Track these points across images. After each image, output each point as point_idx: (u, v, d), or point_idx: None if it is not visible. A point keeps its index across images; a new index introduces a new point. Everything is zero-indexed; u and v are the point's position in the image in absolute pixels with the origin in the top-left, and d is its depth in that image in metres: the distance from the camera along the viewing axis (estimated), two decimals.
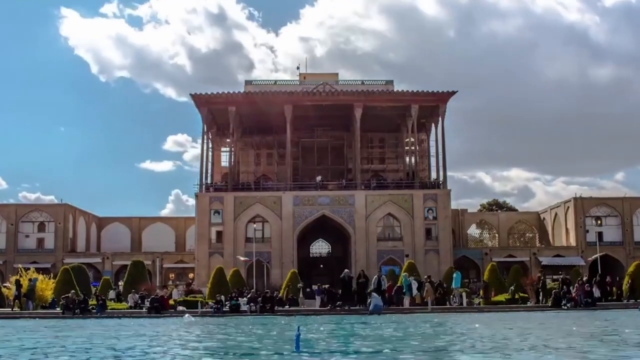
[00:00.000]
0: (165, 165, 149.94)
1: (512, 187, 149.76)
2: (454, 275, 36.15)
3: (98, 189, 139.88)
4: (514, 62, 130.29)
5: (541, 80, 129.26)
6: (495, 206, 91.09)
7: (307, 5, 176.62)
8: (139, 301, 36.87)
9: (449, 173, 60.43)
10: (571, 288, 34.18)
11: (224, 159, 68.79)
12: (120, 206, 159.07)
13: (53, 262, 61.34)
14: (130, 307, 36.32)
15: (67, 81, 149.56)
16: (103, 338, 14.83)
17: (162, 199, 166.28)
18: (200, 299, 37.71)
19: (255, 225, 57.44)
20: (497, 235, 71.69)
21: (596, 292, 35.06)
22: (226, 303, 34.05)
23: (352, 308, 32.75)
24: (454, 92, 59.67)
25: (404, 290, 35.28)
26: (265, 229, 58.03)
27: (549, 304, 33.70)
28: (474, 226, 73.12)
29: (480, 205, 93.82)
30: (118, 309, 35.50)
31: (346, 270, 35.89)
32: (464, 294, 35.40)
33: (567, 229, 65.02)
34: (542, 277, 37.70)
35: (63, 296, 33.87)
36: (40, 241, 64.32)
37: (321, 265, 65.76)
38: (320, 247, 68.47)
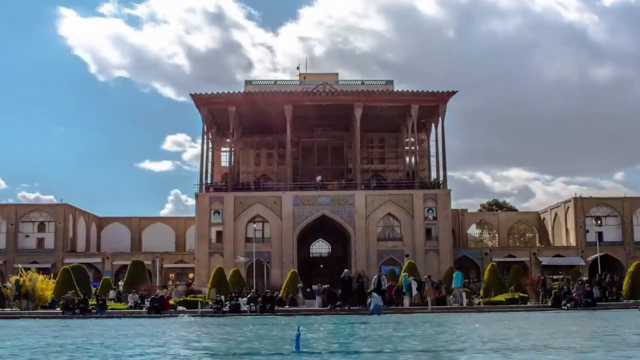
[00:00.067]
0: (164, 165, 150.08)
1: (512, 187, 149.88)
2: (455, 274, 36.12)
3: (97, 189, 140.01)
4: (513, 62, 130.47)
5: (541, 80, 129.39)
6: (495, 206, 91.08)
7: (306, 6, 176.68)
8: (139, 301, 36.89)
9: (448, 173, 60.54)
10: (571, 288, 34.17)
11: (224, 159, 68.79)
12: (119, 206, 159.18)
13: (53, 262, 61.33)
14: (130, 307, 36.32)
15: (65, 81, 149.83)
16: (102, 338, 14.82)
17: (162, 199, 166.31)
18: (200, 299, 37.72)
19: (255, 225, 57.43)
20: (497, 235, 71.68)
21: (596, 292, 35.05)
22: (226, 303, 34.06)
23: (352, 308, 32.75)
24: (454, 92, 59.67)
25: (403, 291, 35.28)
26: (265, 229, 58.02)
27: (549, 304, 33.70)
28: (474, 226, 73.11)
29: (480, 205, 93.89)
30: (118, 309, 35.49)
31: (346, 270, 35.88)
32: (464, 294, 35.39)
33: (567, 229, 65.01)
34: (542, 277, 37.70)
35: (63, 296, 33.88)
36: (40, 241, 64.30)
37: (321, 265, 65.73)
38: (320, 247, 68.45)
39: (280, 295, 40.02)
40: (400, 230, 58.10)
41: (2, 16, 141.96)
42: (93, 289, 43.59)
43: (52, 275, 41.01)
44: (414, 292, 35.04)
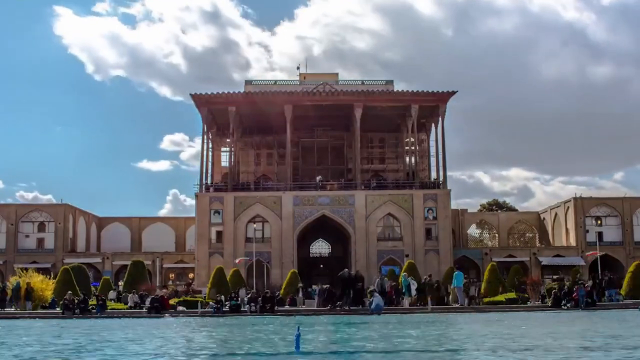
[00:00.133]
0: (162, 165, 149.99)
1: (512, 186, 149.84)
2: (455, 274, 36.11)
3: (95, 188, 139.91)
4: (512, 62, 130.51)
5: (540, 80, 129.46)
6: (495, 206, 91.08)
7: (302, 6, 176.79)
8: (139, 301, 36.90)
9: (448, 173, 60.55)
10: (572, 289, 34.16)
11: (224, 159, 68.79)
12: (118, 206, 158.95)
13: (53, 262, 61.33)
14: (130, 307, 36.32)
15: (62, 80, 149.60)
16: (101, 338, 14.83)
17: (160, 199, 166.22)
18: (200, 299, 37.73)
19: (255, 225, 57.43)
20: (497, 235, 71.68)
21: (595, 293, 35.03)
22: (226, 303, 34.07)
23: (352, 308, 32.76)
24: (454, 92, 59.67)
25: (403, 291, 35.29)
26: (265, 229, 58.02)
27: (549, 303, 33.71)
28: (474, 226, 73.12)
29: (480, 205, 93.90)
30: (118, 309, 35.51)
31: (345, 269, 35.92)
32: (464, 294, 35.34)
33: (567, 229, 65.01)
34: (541, 278, 37.76)
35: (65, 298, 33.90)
36: (40, 241, 64.29)
37: (321, 265, 65.75)
38: (320, 247, 68.45)
39: (280, 294, 40.06)
40: (400, 230, 58.10)
41: None
42: (93, 289, 43.58)
43: (52, 276, 41.03)
44: (413, 292, 35.07)
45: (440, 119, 59.84)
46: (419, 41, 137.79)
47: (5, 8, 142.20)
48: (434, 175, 61.86)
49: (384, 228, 58.58)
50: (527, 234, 72.94)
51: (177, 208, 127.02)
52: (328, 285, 38.63)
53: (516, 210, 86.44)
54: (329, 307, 33.79)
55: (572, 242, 63.38)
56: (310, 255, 67.16)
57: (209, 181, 61.46)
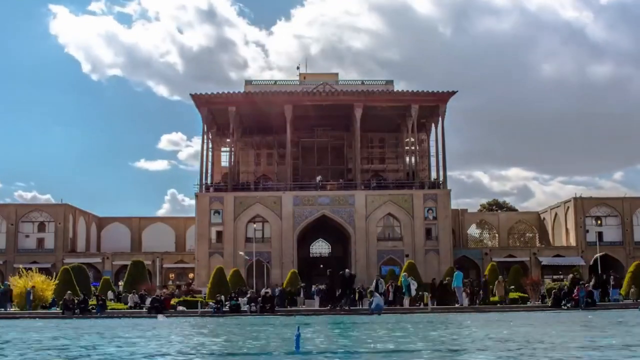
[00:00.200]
0: (160, 165, 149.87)
1: (511, 186, 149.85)
2: (455, 274, 36.12)
3: (93, 188, 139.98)
4: (512, 61, 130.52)
5: (540, 80, 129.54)
6: (495, 206, 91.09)
7: (298, 6, 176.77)
8: (139, 301, 36.91)
9: (448, 173, 60.57)
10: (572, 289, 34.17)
11: (224, 159, 68.81)
12: (116, 205, 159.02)
13: (53, 262, 61.34)
14: (130, 307, 36.32)
15: (59, 80, 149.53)
16: (100, 338, 14.83)
17: (158, 199, 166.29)
18: (200, 299, 37.73)
19: (255, 225, 57.45)
20: (497, 235, 71.69)
21: (596, 293, 35.02)
22: (226, 303, 34.06)
23: (352, 308, 32.76)
24: (454, 92, 59.69)
25: (403, 291, 35.31)
26: (265, 229, 58.05)
27: (549, 304, 33.72)
28: (474, 226, 73.14)
29: (480, 205, 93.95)
30: (118, 309, 35.51)
31: (346, 269, 35.94)
32: (464, 293, 35.37)
33: (567, 229, 65.02)
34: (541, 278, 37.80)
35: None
36: (40, 241, 64.32)
37: (321, 265, 65.69)
38: (320, 247, 68.46)
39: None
40: (400, 230, 58.11)
41: None
42: (93, 289, 43.57)
43: (54, 276, 41.02)
44: (413, 292, 35.11)
45: (440, 119, 59.85)
46: (418, 41, 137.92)
47: (0, 6, 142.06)
48: (434, 175, 61.89)
49: (384, 228, 58.60)
50: (527, 234, 72.95)
51: (176, 208, 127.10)
52: (324, 285, 38.58)
53: (516, 210, 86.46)
54: (329, 307, 33.79)
55: (572, 242, 63.40)
56: (310, 255, 67.17)
57: (209, 181, 61.48)
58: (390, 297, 35.06)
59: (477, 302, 34.69)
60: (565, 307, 32.06)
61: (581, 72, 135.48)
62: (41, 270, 42.15)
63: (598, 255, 53.02)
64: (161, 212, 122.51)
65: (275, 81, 71.92)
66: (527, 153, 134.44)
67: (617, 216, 63.63)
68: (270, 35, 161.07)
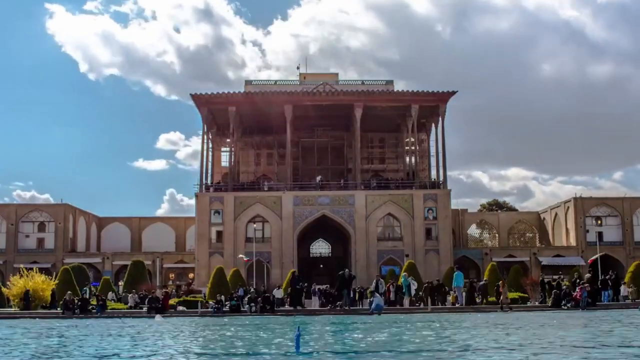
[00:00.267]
0: (159, 164, 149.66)
1: (511, 186, 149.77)
2: (455, 274, 36.11)
3: (92, 187, 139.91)
4: (512, 61, 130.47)
5: (540, 80, 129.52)
6: (495, 206, 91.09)
7: (295, 6, 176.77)
8: (139, 301, 36.91)
9: (448, 173, 60.58)
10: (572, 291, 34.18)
11: (224, 159, 68.83)
12: (115, 205, 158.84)
13: (53, 262, 61.34)
14: (130, 307, 36.32)
15: (57, 79, 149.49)
16: (100, 337, 14.83)
17: (157, 198, 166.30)
18: (200, 299, 37.74)
19: (255, 225, 57.45)
20: (497, 235, 71.69)
21: (605, 293, 35.09)
22: (226, 303, 34.07)
23: (352, 308, 32.76)
24: (454, 92, 59.69)
25: (403, 291, 35.30)
26: (265, 229, 58.05)
27: (549, 303, 33.72)
28: (474, 226, 73.13)
29: (480, 205, 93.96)
30: (118, 309, 35.52)
31: (346, 269, 35.94)
32: (464, 293, 35.38)
33: (567, 229, 65.02)
34: (542, 278, 37.79)
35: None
36: (40, 241, 64.31)
37: (321, 265, 65.76)
38: (320, 247, 68.45)
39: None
40: (400, 230, 58.12)
41: None
42: (93, 289, 43.58)
43: (54, 276, 41.05)
44: (413, 292, 35.09)
45: (440, 119, 59.86)
46: (417, 40, 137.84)
47: None
48: (434, 175, 61.90)
49: (384, 228, 58.61)
50: (527, 234, 72.95)
51: (174, 208, 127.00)
52: (327, 286, 38.62)
53: (516, 210, 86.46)
54: (329, 307, 33.79)
55: (572, 242, 63.40)
56: (310, 255, 67.17)
57: (208, 181, 61.49)
58: (392, 297, 35.07)
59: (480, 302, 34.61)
60: (566, 307, 32.05)
61: (581, 72, 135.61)
62: (41, 270, 42.18)
63: (598, 255, 52.93)
64: (160, 212, 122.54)
65: (275, 81, 71.94)
66: (527, 153, 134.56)
67: (617, 216, 63.63)
68: (268, 35, 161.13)
